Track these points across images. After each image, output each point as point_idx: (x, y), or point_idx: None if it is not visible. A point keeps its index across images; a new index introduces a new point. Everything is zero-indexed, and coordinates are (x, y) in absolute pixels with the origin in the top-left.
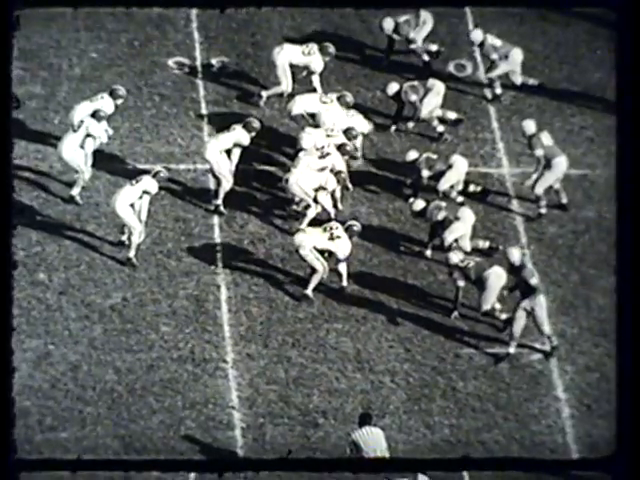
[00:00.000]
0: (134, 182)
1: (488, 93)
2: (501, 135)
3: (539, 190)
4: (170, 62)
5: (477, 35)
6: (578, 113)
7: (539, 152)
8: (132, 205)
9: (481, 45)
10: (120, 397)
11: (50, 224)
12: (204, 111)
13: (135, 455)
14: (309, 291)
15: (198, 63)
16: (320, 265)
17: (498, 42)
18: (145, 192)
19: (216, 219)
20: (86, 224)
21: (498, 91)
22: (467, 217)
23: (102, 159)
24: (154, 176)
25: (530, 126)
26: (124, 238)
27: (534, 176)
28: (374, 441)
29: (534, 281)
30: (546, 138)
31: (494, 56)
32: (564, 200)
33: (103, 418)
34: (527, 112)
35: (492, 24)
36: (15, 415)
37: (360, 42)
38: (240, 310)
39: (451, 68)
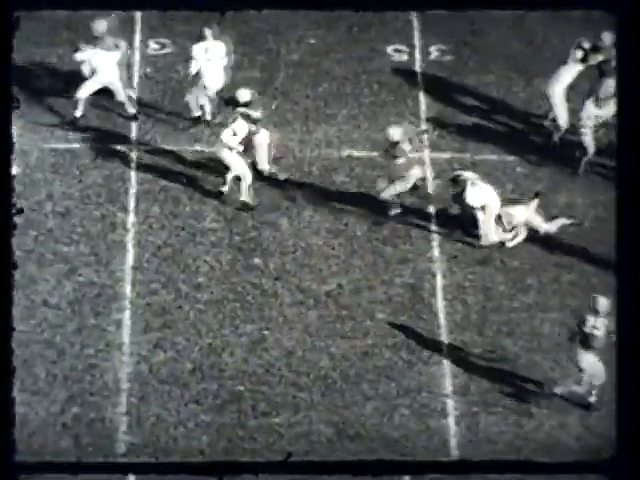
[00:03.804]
0: None
1: None
2: None
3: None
4: (389, 49)
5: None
6: None
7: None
8: None
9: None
10: (334, 383)
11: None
12: (422, 98)
13: (348, 441)
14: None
15: (417, 51)
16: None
17: None
18: None
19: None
20: None
21: None
22: None
23: (319, 146)
24: None
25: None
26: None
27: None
28: None
29: None
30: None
31: None
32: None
33: (317, 404)
34: None
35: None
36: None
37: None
38: (456, 298)
39: None
